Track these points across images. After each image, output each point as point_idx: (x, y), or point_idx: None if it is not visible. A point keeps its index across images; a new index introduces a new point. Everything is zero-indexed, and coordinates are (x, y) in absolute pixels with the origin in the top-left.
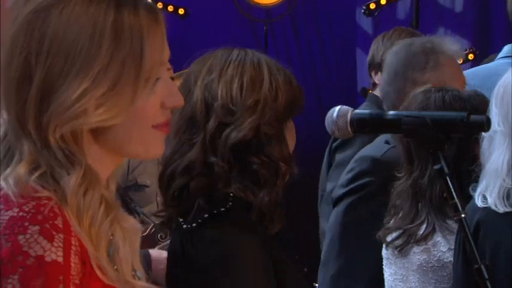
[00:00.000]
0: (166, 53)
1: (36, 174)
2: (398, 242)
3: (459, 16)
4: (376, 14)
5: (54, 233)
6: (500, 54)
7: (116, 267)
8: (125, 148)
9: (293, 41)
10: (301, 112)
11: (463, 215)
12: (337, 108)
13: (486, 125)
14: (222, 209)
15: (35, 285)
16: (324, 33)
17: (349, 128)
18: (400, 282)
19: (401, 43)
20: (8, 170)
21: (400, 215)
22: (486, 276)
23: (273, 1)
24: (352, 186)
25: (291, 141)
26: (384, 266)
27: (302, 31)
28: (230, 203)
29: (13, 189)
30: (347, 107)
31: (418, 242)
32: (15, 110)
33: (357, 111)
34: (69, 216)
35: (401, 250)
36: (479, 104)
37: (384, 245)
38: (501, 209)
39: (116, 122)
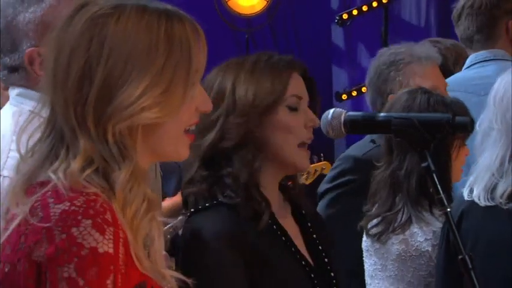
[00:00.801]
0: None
1: (88, 171)
2: (378, 229)
3: (424, 30)
4: (348, 24)
5: (105, 226)
6: (465, 66)
7: (150, 258)
8: (161, 148)
9: (273, 49)
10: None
11: (448, 209)
12: (332, 110)
13: (470, 126)
14: (199, 207)
15: (90, 274)
16: (302, 42)
17: (342, 129)
18: (379, 271)
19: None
20: (56, 164)
21: (379, 203)
22: (470, 266)
23: (253, 12)
24: (335, 183)
25: (279, 135)
26: (364, 258)
27: (281, 40)
28: (215, 202)
29: (63, 183)
30: (340, 109)
31: (396, 230)
32: (74, 109)
33: (350, 113)
34: (116, 210)
35: (380, 238)
36: (459, 110)
37: (364, 237)
38: (483, 202)
39: (169, 120)
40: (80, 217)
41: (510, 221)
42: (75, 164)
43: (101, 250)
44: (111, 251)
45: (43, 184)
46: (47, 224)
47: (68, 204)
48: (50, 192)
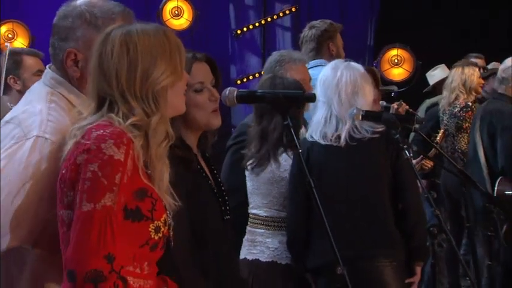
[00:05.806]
0: None
1: (129, 120)
2: (253, 165)
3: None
4: (240, 36)
5: (121, 145)
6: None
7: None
8: (176, 101)
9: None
10: None
11: (300, 151)
12: (228, 88)
13: (314, 98)
14: None
15: (106, 170)
16: (211, 49)
17: (235, 100)
18: (256, 190)
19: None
20: (109, 115)
21: (252, 149)
22: (313, 185)
23: (181, 28)
24: (235, 140)
25: (192, 110)
26: (246, 181)
27: (197, 47)
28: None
29: (107, 121)
30: (234, 88)
31: (264, 165)
32: (128, 88)
33: (240, 90)
34: (137, 144)
35: (255, 170)
36: (296, 84)
37: (245, 169)
38: (323, 142)
39: (178, 82)
40: (107, 138)
41: (339, 153)
42: (121, 114)
43: (115, 157)
44: (122, 159)
45: (91, 124)
46: (88, 142)
47: (102, 131)
48: (94, 125)
